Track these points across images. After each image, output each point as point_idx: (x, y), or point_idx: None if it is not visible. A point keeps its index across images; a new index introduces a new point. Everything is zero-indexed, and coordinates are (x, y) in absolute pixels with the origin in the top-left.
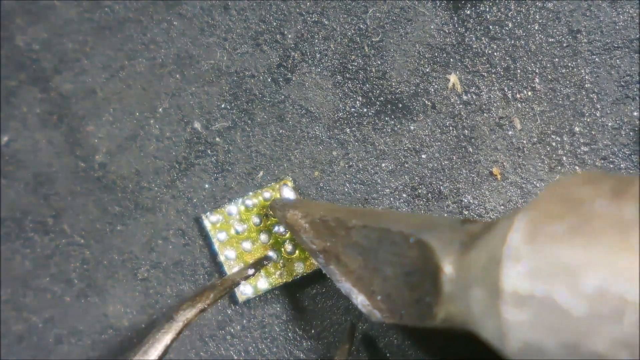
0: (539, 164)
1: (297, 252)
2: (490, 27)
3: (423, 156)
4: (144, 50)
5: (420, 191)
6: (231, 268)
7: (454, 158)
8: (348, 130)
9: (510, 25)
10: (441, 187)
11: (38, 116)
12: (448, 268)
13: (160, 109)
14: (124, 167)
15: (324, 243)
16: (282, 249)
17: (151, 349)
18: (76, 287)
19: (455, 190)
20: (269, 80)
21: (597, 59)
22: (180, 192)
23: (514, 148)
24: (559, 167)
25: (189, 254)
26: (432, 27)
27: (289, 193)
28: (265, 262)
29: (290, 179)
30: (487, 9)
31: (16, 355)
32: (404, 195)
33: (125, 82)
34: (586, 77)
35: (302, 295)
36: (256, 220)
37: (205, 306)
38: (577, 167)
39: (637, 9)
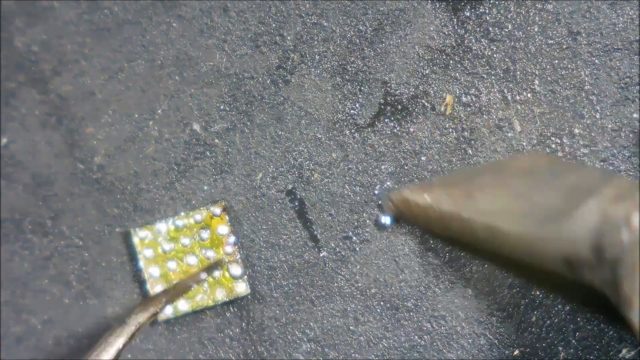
0: None
1: (222, 278)
2: (490, 29)
3: (422, 158)
4: (143, 52)
5: None
6: (154, 286)
7: (454, 160)
8: (347, 132)
9: (509, 27)
10: None
11: (37, 118)
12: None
13: (159, 111)
14: (122, 168)
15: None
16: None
17: (103, 353)
18: (75, 288)
19: None
20: (268, 81)
21: (596, 61)
22: (179, 193)
23: (513, 150)
24: None
25: None
26: (431, 28)
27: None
28: (217, 267)
29: (223, 203)
30: (487, 11)
31: (15, 356)
32: None
33: (124, 83)
34: (586, 79)
35: (301, 299)
36: (185, 241)
37: (157, 310)
38: None
39: (637, 11)
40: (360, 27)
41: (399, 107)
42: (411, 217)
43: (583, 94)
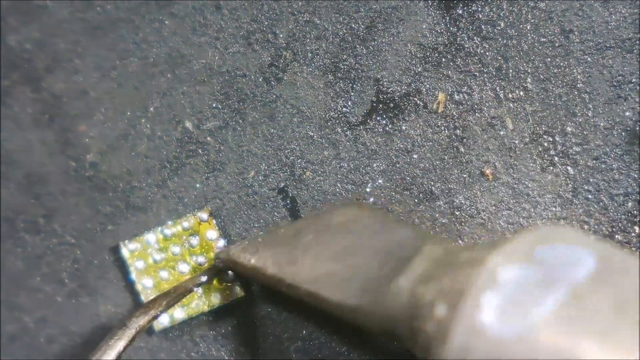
0: (531, 164)
1: (214, 282)
2: (483, 26)
3: (415, 156)
4: (135, 49)
5: (411, 191)
6: (148, 296)
7: (446, 158)
8: (339, 130)
9: (502, 24)
10: (433, 188)
11: (30, 116)
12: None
13: (151, 109)
14: (115, 166)
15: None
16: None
17: (104, 356)
18: (68, 287)
19: (446, 191)
20: (261, 79)
21: (589, 59)
22: (172, 191)
23: (505, 148)
24: (551, 168)
25: None
26: (424, 26)
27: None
28: (219, 268)
29: (210, 208)
30: (479, 9)
31: (8, 355)
32: (396, 195)
33: (117, 81)
34: (578, 77)
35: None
36: (175, 249)
37: (158, 313)
38: (569, 168)
39: (630, 9)
40: (353, 25)
41: (391, 105)
42: (240, 272)
43: (575, 92)
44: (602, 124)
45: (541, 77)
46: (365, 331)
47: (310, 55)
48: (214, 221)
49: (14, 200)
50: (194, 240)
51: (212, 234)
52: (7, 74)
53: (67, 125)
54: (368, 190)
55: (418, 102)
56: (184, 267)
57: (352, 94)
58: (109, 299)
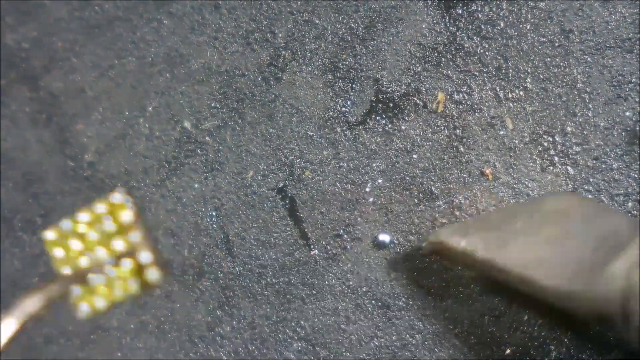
0: (531, 164)
1: (131, 269)
2: (482, 26)
3: (414, 156)
4: (133, 49)
5: (411, 191)
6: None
7: (445, 158)
8: (339, 129)
9: (502, 24)
10: (432, 187)
11: (28, 115)
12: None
13: (149, 108)
14: (113, 166)
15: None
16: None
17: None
18: None
19: (446, 191)
20: (260, 79)
21: (589, 59)
22: (170, 191)
23: (505, 148)
24: (551, 167)
25: (178, 254)
26: (423, 26)
27: None
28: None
29: (123, 188)
30: (479, 9)
31: (6, 355)
32: (396, 195)
33: (114, 80)
34: (578, 77)
35: (292, 297)
36: (92, 234)
37: (52, 299)
38: (569, 168)
39: (630, 9)
40: (352, 25)
41: (391, 104)
42: (447, 258)
43: (575, 92)
44: (602, 124)
45: (541, 77)
46: (574, 316)
47: (309, 54)
48: (129, 201)
49: (11, 200)
50: (109, 224)
51: (127, 214)
52: (4, 72)
53: (65, 124)
54: (367, 190)
55: (418, 101)
56: (102, 252)
57: (352, 93)
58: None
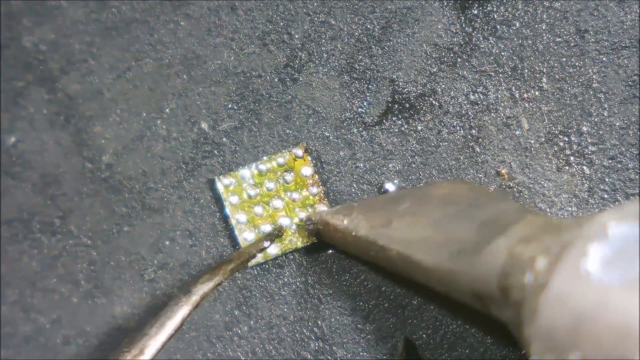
0: (547, 164)
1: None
2: (498, 26)
3: (430, 156)
4: (150, 50)
5: None
6: (242, 232)
7: (461, 158)
8: (355, 130)
9: (517, 24)
10: None
11: (45, 117)
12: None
13: (167, 110)
14: (130, 167)
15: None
16: (295, 216)
17: (168, 321)
18: (83, 288)
19: None
20: (276, 80)
21: (604, 59)
22: (187, 192)
23: (521, 148)
24: (567, 167)
25: (196, 255)
26: (439, 26)
27: (307, 170)
28: (279, 233)
29: (304, 145)
30: (495, 9)
31: (24, 356)
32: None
33: (132, 82)
34: (594, 77)
35: (309, 296)
36: (270, 185)
37: (222, 280)
38: (584, 167)
39: None
40: (368, 26)
41: (407, 105)
42: (329, 239)
43: (591, 92)
44: (617, 124)
45: (556, 76)
46: (452, 298)
47: (325, 55)
48: (309, 157)
49: (29, 202)
50: (289, 177)
51: (307, 170)
52: (22, 75)
53: (83, 126)
54: (384, 190)
55: (434, 102)
56: (278, 203)
57: (368, 94)
58: (125, 300)
